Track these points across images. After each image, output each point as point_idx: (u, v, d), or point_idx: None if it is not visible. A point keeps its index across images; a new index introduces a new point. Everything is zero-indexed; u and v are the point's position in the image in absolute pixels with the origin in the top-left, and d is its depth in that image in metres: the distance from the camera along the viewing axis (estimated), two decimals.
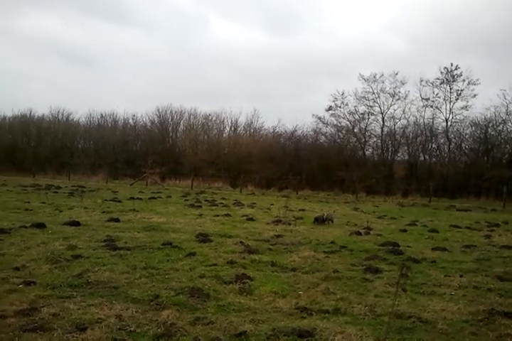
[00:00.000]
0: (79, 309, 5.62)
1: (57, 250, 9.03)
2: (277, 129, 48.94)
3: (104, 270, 7.64)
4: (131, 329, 5.07)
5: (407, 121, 42.82)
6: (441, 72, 40.34)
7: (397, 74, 41.77)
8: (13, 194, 23.24)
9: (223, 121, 51.37)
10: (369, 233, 13.96)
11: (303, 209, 21.71)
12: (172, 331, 5.01)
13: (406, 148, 43.17)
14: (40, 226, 11.92)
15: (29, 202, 18.69)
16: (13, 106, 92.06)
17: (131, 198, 23.45)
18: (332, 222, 16.12)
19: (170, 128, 52.00)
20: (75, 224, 12.77)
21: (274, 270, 8.47)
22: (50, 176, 43.55)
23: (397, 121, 43.02)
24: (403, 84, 41.88)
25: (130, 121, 53.66)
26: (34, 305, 5.65)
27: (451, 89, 40.62)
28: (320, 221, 16.00)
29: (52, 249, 9.07)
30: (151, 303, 6.01)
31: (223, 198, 27.58)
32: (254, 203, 24.46)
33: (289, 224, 15.33)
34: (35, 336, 4.72)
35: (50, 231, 11.55)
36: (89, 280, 6.97)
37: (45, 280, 6.95)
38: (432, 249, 11.45)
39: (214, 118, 51.20)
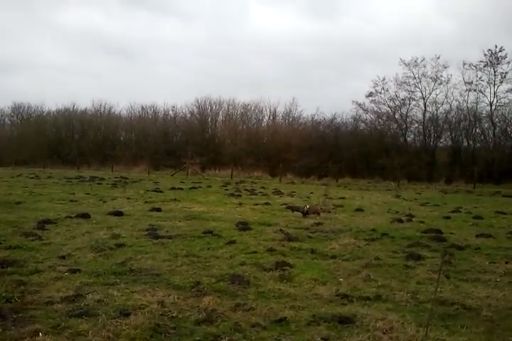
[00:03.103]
0: (122, 295, 5.75)
1: (101, 239, 9.25)
2: (316, 117, 48.80)
3: (147, 258, 7.79)
4: (173, 315, 5.15)
5: (450, 105, 41.93)
6: (485, 55, 39.21)
7: (439, 58, 40.92)
8: (59, 186, 23.95)
9: (262, 110, 51.59)
10: (411, 220, 13.74)
11: (343, 198, 21.55)
12: (213, 317, 5.06)
13: (449, 133, 42.30)
14: (85, 216, 12.24)
15: (74, 194, 19.23)
16: (56, 100, 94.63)
17: (172, 188, 23.85)
18: (319, 214, 14.11)
19: (209, 119, 52.43)
20: (119, 214, 13.05)
21: (314, 257, 8.44)
22: (94, 168, 44.64)
23: (439, 106, 42.17)
24: (445, 67, 41.03)
25: (170, 112, 54.51)
26: (79, 292, 5.81)
27: (495, 71, 39.47)
28: (301, 212, 14.04)
29: (96, 238, 9.29)
30: (193, 290, 6.08)
31: (263, 187, 27.65)
32: (294, 192, 24.44)
33: (329, 212, 15.24)
34: (80, 321, 4.85)
35: (95, 221, 11.85)
36: (132, 268, 7.11)
37: (89, 268, 7.13)
38: (477, 235, 11.18)
39: (253, 108, 51.38)
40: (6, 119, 61.47)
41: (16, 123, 60.26)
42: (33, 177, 30.18)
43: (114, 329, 4.59)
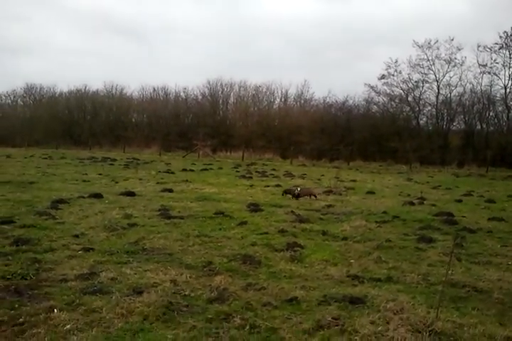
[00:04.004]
0: (135, 274, 5.83)
1: (113, 219, 9.36)
2: (328, 100, 48.30)
3: (159, 237, 7.87)
4: (186, 293, 5.23)
5: (464, 88, 41.31)
6: (500, 37, 38.44)
7: (452, 39, 40.17)
8: (72, 166, 24.11)
9: (273, 92, 51.17)
10: (423, 203, 13.71)
11: (354, 180, 21.50)
12: (225, 295, 5.13)
13: (462, 116, 41.76)
14: (98, 196, 12.34)
15: (86, 174, 19.37)
16: (68, 81, 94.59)
17: (184, 170, 23.95)
18: (315, 196, 13.99)
19: (220, 101, 52.14)
20: (131, 194, 13.14)
21: (325, 239, 8.47)
22: (106, 149, 44.78)
23: (452, 88, 41.53)
24: (459, 50, 40.29)
25: (181, 94, 54.28)
26: (93, 270, 5.90)
27: (510, 54, 38.69)
28: (292, 195, 13.85)
29: (109, 218, 9.40)
30: (205, 269, 6.15)
31: (274, 169, 27.64)
32: (305, 174, 24.42)
33: (340, 195, 15.25)
34: (94, 298, 4.93)
35: (107, 201, 11.94)
36: (145, 247, 7.20)
37: (103, 246, 7.23)
38: (489, 219, 11.15)
39: (264, 90, 51.00)
40: (19, 100, 61.73)
41: (29, 104, 60.40)
42: (45, 158, 30.39)
43: (127, 307, 4.67)
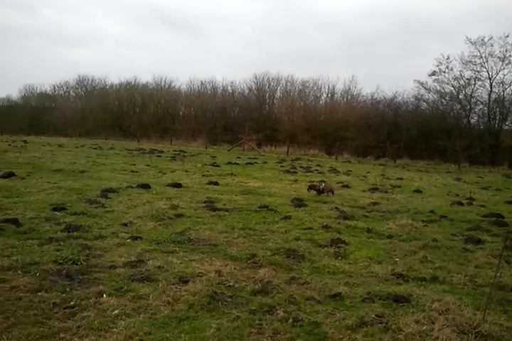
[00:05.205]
0: (181, 263, 5.96)
1: (161, 209, 9.56)
2: (376, 96, 47.62)
3: (205, 229, 8.01)
4: (230, 284, 5.31)
5: None
6: None
7: (507, 36, 38.53)
8: (120, 157, 24.68)
9: (320, 87, 50.83)
10: (471, 204, 13.37)
11: (401, 178, 21.12)
12: (268, 288, 5.17)
13: None
14: (145, 186, 12.62)
15: (135, 165, 19.82)
16: (119, 73, 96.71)
17: (229, 163, 24.13)
18: (333, 193, 13.74)
19: (267, 95, 52.17)
20: (177, 185, 13.37)
21: (370, 236, 8.40)
22: (153, 141, 45.54)
23: (506, 87, 39.92)
24: None
25: (229, 88, 54.63)
26: (141, 258, 6.07)
27: None
28: (316, 191, 13.61)
29: (156, 208, 9.61)
30: (249, 261, 6.22)
31: (318, 165, 27.52)
32: (350, 171, 24.18)
33: (386, 192, 15.04)
34: (142, 285, 5.08)
35: (155, 191, 12.19)
36: (191, 238, 7.34)
37: (150, 235, 7.41)
38: None
39: (311, 85, 50.73)
40: (71, 91, 63.72)
41: (81, 95, 62.30)
42: (95, 148, 31.21)
43: (173, 295, 4.79)
